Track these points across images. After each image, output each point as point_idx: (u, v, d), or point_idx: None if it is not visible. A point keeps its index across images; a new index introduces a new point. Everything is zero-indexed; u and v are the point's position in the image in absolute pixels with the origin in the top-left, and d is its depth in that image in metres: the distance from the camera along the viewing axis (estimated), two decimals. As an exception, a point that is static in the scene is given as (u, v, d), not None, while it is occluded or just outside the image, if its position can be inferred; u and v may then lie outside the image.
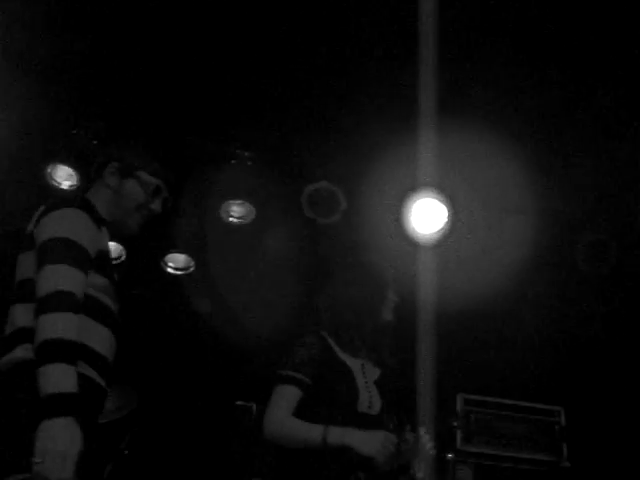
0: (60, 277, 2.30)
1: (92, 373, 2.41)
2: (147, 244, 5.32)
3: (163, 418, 5.71)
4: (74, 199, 2.68)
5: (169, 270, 5.42)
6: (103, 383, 2.47)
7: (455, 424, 4.63)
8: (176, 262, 5.42)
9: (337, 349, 3.15)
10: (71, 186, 4.96)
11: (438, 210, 4.81)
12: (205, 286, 5.73)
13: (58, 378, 2.19)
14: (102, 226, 2.56)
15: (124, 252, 5.29)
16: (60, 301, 2.27)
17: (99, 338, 2.46)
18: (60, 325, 2.24)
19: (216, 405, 5.44)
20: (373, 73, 4.35)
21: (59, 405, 2.16)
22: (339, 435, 2.89)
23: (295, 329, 3.42)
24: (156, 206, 2.71)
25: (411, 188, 4.74)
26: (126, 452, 4.65)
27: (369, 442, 2.87)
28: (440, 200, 4.80)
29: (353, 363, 3.13)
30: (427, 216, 4.80)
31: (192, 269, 5.41)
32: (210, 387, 5.78)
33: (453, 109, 4.19)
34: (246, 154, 4.93)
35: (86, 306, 2.40)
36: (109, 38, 4.23)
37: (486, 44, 4.05)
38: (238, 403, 4.82)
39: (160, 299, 5.81)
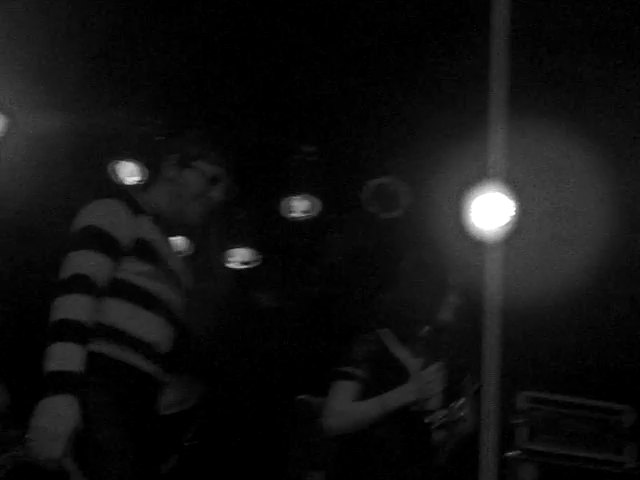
0: (77, 262, 2.35)
1: (131, 358, 2.42)
2: (212, 238, 5.38)
3: (227, 411, 5.75)
4: (108, 190, 2.70)
5: (234, 264, 5.46)
6: (151, 369, 2.50)
7: (518, 422, 4.56)
8: (241, 256, 5.45)
9: (395, 347, 3.18)
10: (135, 182, 5.03)
11: (505, 205, 4.72)
12: (270, 280, 5.76)
13: (58, 356, 2.21)
14: (142, 214, 2.55)
15: (189, 246, 5.35)
16: (72, 284, 2.31)
17: (140, 323, 2.47)
18: (66, 306, 2.28)
19: (279, 399, 5.45)
20: (440, 65, 4.30)
21: (56, 383, 2.18)
22: (394, 399, 3.02)
23: (357, 325, 3.42)
24: (216, 195, 2.69)
25: (477, 182, 4.67)
26: (190, 444, 4.69)
27: (419, 387, 3.01)
28: (507, 194, 4.72)
29: (411, 362, 3.15)
30: (493, 211, 4.71)
31: (256, 263, 5.44)
32: (272, 381, 5.81)
33: (524, 102, 4.12)
34: (309, 148, 4.93)
35: (125, 291, 2.44)
36: (172, 32, 4.26)
37: (561, 35, 3.98)
38: (300, 397, 4.82)
39: (225, 293, 5.86)
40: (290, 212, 5.14)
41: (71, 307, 2.27)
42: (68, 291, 2.29)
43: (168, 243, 2.67)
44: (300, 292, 5.88)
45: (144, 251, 2.51)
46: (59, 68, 4.37)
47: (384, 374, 3.12)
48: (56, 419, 2.14)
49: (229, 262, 5.45)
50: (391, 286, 3.32)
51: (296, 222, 5.19)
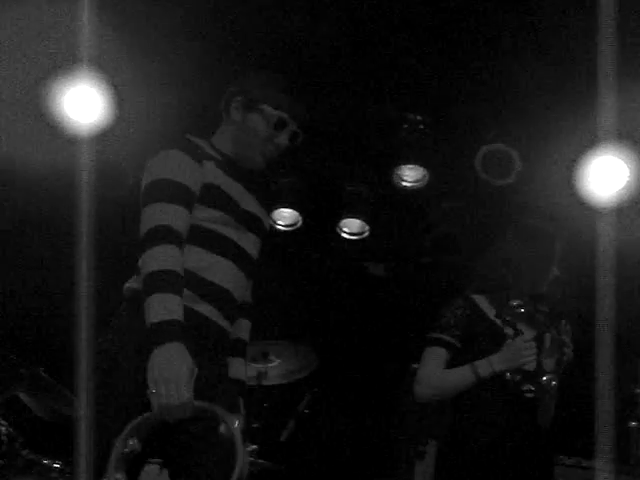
0: (156, 214, 2.38)
1: (205, 309, 2.46)
2: (322, 209, 5.44)
3: (341, 380, 5.84)
4: (171, 141, 2.63)
5: (344, 235, 5.51)
6: (220, 320, 2.51)
7: (638, 391, 4.45)
8: (351, 227, 5.49)
9: (490, 311, 3.15)
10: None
11: (619, 170, 4.58)
12: (379, 251, 5.79)
13: (158, 307, 2.24)
14: (206, 160, 2.54)
15: (300, 218, 5.43)
16: (157, 235, 2.34)
17: (216, 269, 2.48)
18: (158, 257, 2.31)
19: (391, 368, 5.50)
20: (549, 32, 4.20)
21: (161, 333, 2.21)
22: (486, 366, 3.03)
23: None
24: (281, 140, 2.64)
25: (589, 148, 4.55)
26: (306, 412, 4.80)
27: (513, 355, 3.00)
28: (621, 159, 4.57)
29: (507, 325, 3.12)
30: (606, 177, 4.58)
31: (366, 234, 5.47)
32: (385, 350, 5.85)
33: (634, 65, 3.98)
34: (418, 117, 4.91)
35: (199, 238, 2.47)
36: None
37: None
38: (413, 366, 4.85)
39: (335, 264, 5.92)
40: (401, 181, 5.13)
41: (162, 258, 2.31)
42: (155, 243, 2.33)
43: (239, 186, 2.62)
44: (411, 262, 5.88)
45: (213, 197, 2.51)
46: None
47: (477, 340, 3.12)
48: (171, 366, 2.17)
49: (340, 233, 5.49)
50: (493, 252, 3.30)
51: (407, 191, 5.17)
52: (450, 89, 4.76)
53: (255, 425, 4.40)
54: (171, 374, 2.16)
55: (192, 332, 2.31)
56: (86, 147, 4.76)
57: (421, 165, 5.06)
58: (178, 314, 2.26)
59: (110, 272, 3.30)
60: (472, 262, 3.50)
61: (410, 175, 5.13)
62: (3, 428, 4.31)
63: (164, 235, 2.34)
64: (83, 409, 2.34)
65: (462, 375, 3.07)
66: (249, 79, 2.71)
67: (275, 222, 5.32)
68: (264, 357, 4.50)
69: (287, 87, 2.67)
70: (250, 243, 2.61)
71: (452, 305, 3.19)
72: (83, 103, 4.85)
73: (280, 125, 2.61)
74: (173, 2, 4.25)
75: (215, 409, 2.23)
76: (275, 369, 4.58)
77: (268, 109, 2.60)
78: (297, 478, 5.24)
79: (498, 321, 3.14)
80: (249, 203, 2.64)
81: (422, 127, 4.93)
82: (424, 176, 5.09)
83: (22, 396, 4.51)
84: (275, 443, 4.70)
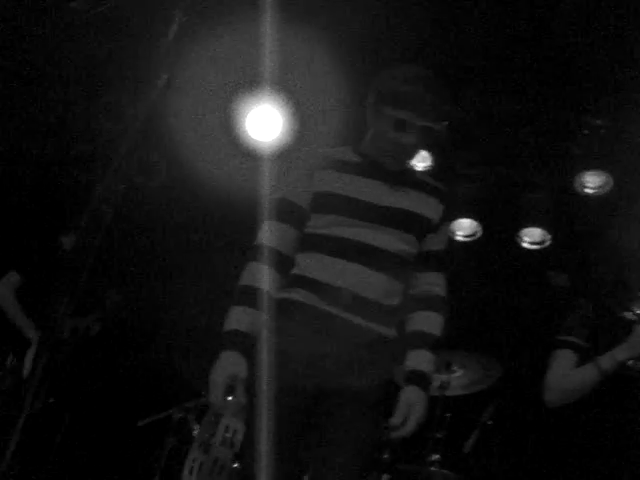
0: (260, 232, 2.61)
1: (331, 308, 2.52)
2: (502, 219, 5.38)
3: (525, 390, 5.72)
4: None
5: (525, 245, 5.42)
6: (341, 313, 2.52)
7: None
8: (532, 236, 5.40)
9: (615, 307, 3.05)
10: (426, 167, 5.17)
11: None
12: (562, 260, 5.65)
13: (229, 318, 2.51)
14: (320, 170, 2.61)
15: (479, 228, 5.40)
16: (253, 252, 2.57)
17: (333, 271, 2.53)
18: (243, 273, 2.56)
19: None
20: None
21: (223, 340, 2.48)
22: (608, 358, 2.93)
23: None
24: (407, 140, 2.55)
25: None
26: (489, 423, 4.75)
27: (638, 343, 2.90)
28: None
29: (634, 315, 3.01)
30: None
31: (548, 243, 5.37)
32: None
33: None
34: (599, 122, 4.77)
35: (311, 243, 2.58)
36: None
37: None
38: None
39: (516, 274, 5.83)
40: (583, 188, 5.00)
41: (247, 274, 2.55)
42: (253, 258, 2.57)
43: (380, 184, 2.62)
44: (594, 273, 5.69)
45: (324, 203, 2.58)
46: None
47: (604, 337, 3.01)
48: (217, 370, 2.44)
49: (521, 242, 5.41)
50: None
51: (589, 198, 5.03)
52: (631, 92, 4.60)
53: (438, 435, 4.40)
54: (213, 378, 2.43)
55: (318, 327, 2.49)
56: (267, 164, 4.96)
57: (604, 171, 4.91)
58: (243, 325, 2.50)
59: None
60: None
61: (593, 181, 4.99)
62: (197, 431, 4.55)
63: (255, 253, 2.57)
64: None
65: (586, 373, 2.97)
66: (377, 78, 2.67)
67: (454, 233, 5.32)
68: (447, 367, 4.49)
69: (414, 80, 2.54)
70: (388, 238, 2.58)
71: (576, 306, 3.12)
72: (265, 122, 5.07)
73: (400, 126, 2.54)
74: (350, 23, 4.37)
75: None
76: (458, 379, 4.56)
77: (388, 110, 2.55)
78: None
79: (627, 314, 3.03)
80: (394, 200, 2.62)
81: (603, 131, 4.80)
82: (607, 182, 4.94)
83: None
84: (458, 454, 4.67)
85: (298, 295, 2.55)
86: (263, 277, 2.53)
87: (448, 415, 4.51)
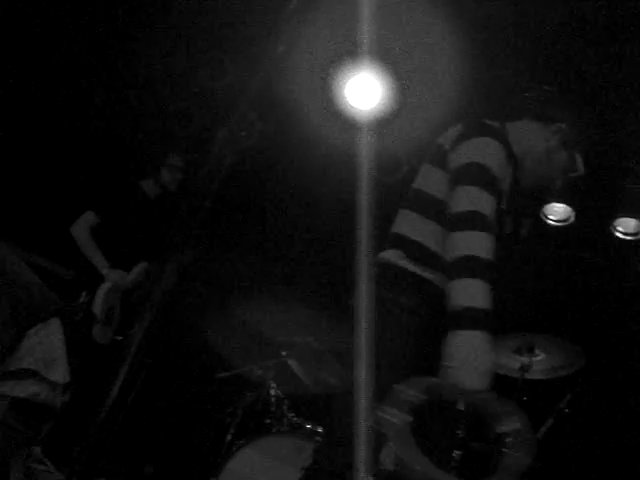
0: (473, 198, 2.36)
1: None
2: (597, 208, 5.27)
3: (605, 381, 5.64)
4: (491, 127, 2.61)
5: (618, 235, 5.31)
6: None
7: None
8: (626, 227, 5.28)
9: None
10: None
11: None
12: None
13: (475, 292, 2.23)
14: (510, 164, 2.58)
15: (573, 214, 5.30)
16: (474, 221, 2.32)
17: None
18: (477, 243, 2.29)
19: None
20: None
21: (472, 318, 2.21)
22: None
23: None
24: (559, 184, 2.73)
25: None
26: (566, 411, 4.69)
27: None
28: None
29: None
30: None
31: (641, 235, 5.25)
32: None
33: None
34: None
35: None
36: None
37: None
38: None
39: (608, 264, 5.72)
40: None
41: (478, 244, 2.29)
42: (472, 227, 2.32)
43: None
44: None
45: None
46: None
47: None
48: (481, 354, 2.19)
49: (614, 232, 5.30)
50: None
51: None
52: None
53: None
54: (478, 362, 2.21)
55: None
56: (366, 133, 4.95)
57: None
58: (487, 303, 2.25)
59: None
60: None
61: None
62: (273, 391, 4.62)
63: (481, 222, 2.34)
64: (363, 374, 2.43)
65: None
66: (570, 117, 2.74)
67: (546, 216, 5.24)
68: (529, 350, 4.44)
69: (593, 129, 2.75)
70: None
71: None
72: (366, 91, 5.06)
73: (577, 170, 2.73)
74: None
75: None
76: (539, 364, 4.50)
77: (578, 157, 2.72)
78: (551, 476, 5.13)
79: None
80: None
81: None
82: None
83: (291, 362, 4.79)
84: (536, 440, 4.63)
85: None
86: (490, 249, 2.35)
87: (525, 398, 4.46)
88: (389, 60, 4.85)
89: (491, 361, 2.22)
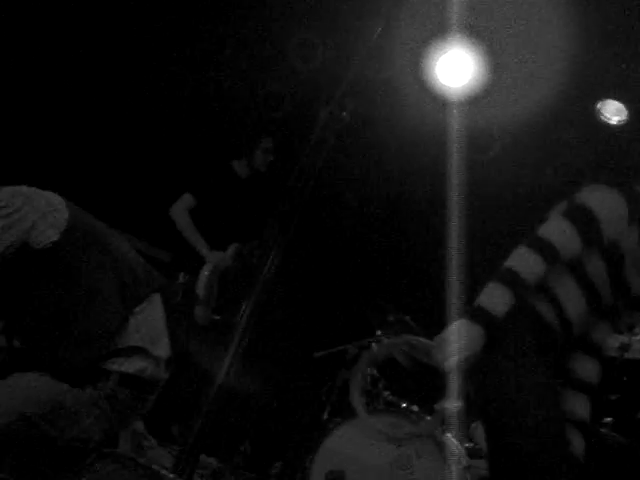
0: (555, 230, 2.44)
1: (550, 317, 2.46)
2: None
3: None
4: (621, 182, 2.56)
5: None
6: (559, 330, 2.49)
7: None
8: None
9: None
10: (619, 121, 4.99)
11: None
12: None
13: (488, 294, 2.39)
14: (634, 223, 2.47)
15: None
16: (541, 246, 2.40)
17: (570, 296, 2.48)
18: (521, 259, 2.41)
19: None
20: None
21: (475, 312, 2.38)
22: None
23: None
24: None
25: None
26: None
27: None
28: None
29: None
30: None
31: None
32: None
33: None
34: None
35: (573, 268, 2.46)
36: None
37: None
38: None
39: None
40: None
41: (524, 262, 2.40)
42: (530, 246, 2.42)
43: None
44: None
45: (611, 254, 2.48)
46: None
47: None
48: (461, 336, 2.36)
49: None
50: None
51: None
52: None
53: (612, 397, 4.31)
54: (454, 340, 2.38)
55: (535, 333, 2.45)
56: (457, 110, 4.93)
57: None
58: (497, 307, 2.38)
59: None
60: None
61: None
62: (368, 370, 4.65)
63: (544, 249, 2.42)
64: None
65: None
66: None
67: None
68: (629, 329, 4.35)
69: None
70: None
71: None
72: (457, 68, 5.03)
73: None
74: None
75: None
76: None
77: None
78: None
79: None
80: None
81: None
82: None
83: (386, 342, 4.81)
84: (630, 418, 4.55)
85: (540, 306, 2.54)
86: (535, 272, 2.47)
87: (625, 378, 4.40)
88: (482, 36, 4.81)
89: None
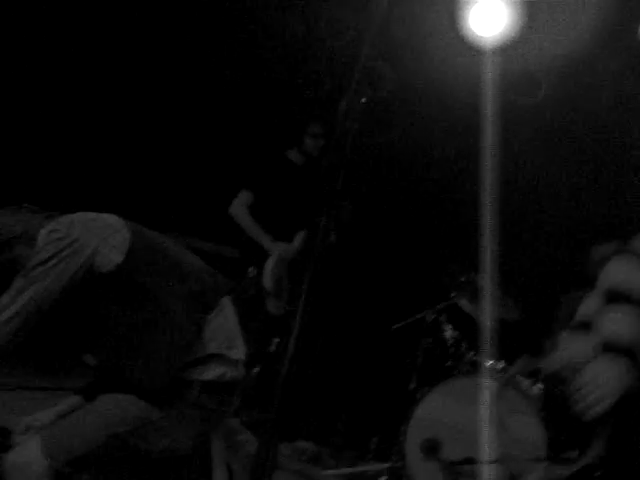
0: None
1: None
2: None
3: None
4: None
5: None
6: None
7: None
8: None
9: None
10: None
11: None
12: None
13: None
14: None
15: None
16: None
17: None
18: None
19: None
20: None
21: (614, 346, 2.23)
22: None
23: None
24: None
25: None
26: None
27: None
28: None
29: None
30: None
31: None
32: None
33: None
34: None
35: None
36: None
37: None
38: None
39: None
40: None
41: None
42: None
43: None
44: None
45: None
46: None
47: None
48: (615, 378, 2.20)
49: None
50: None
51: None
52: None
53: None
54: (610, 385, 2.25)
55: None
56: (491, 59, 4.87)
57: None
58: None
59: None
60: None
61: None
62: (449, 333, 4.66)
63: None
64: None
65: None
66: None
67: None
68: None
69: None
70: None
71: None
72: (491, 16, 4.94)
73: None
74: None
75: None
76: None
77: None
78: None
79: None
80: None
81: None
82: None
83: (462, 303, 4.81)
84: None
85: None
86: None
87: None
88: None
89: None
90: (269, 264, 4.77)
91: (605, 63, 5.22)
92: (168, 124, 5.97)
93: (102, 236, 2.67)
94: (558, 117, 5.44)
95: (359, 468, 4.76)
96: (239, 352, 2.86)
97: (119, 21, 5.51)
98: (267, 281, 4.66)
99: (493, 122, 3.93)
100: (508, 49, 4.89)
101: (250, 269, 4.80)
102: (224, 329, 2.85)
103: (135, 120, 5.89)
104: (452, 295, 4.76)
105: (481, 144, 4.03)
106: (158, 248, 2.80)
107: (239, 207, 4.99)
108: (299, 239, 4.98)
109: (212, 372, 2.76)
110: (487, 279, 4.55)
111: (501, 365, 4.39)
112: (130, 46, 5.61)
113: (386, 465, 4.55)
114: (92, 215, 2.76)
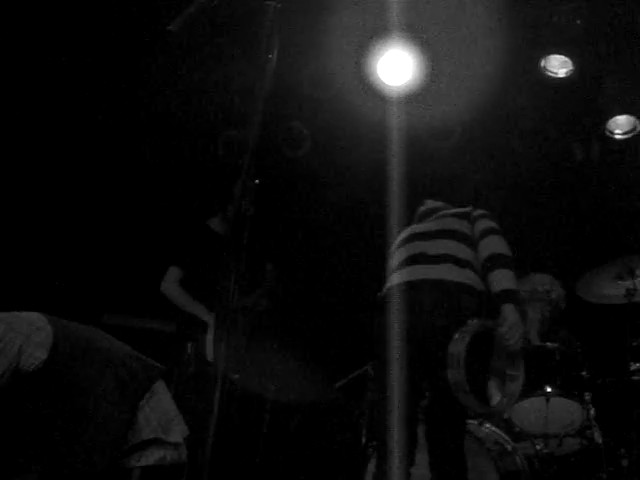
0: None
1: None
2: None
3: None
4: None
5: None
6: None
7: None
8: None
9: None
10: (567, 72, 5.00)
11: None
12: None
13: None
14: None
15: (638, 123, 5.18)
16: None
17: None
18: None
19: None
20: None
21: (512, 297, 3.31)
22: None
23: None
24: None
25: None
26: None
27: None
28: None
29: None
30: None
31: None
32: None
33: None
34: None
35: None
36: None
37: None
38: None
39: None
40: None
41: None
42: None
43: None
44: None
45: None
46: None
47: None
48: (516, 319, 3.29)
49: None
50: None
51: None
52: None
53: (634, 344, 4.26)
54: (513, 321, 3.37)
55: None
56: (397, 107, 4.98)
57: None
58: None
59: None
60: None
61: None
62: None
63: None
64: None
65: None
66: None
67: (613, 132, 5.20)
68: (630, 273, 4.31)
69: None
70: None
71: None
72: (396, 66, 5.05)
73: None
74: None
75: None
76: (644, 285, 4.36)
77: None
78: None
79: None
80: None
81: None
82: None
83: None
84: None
85: None
86: None
87: (640, 322, 4.35)
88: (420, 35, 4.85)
89: None
90: (209, 336, 4.71)
91: (512, 99, 5.37)
92: (92, 202, 5.91)
93: (25, 334, 2.62)
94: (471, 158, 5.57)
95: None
96: (177, 434, 2.82)
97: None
98: (209, 354, 4.61)
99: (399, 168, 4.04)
100: (422, 97, 5.01)
101: (189, 344, 4.74)
102: (159, 413, 2.80)
103: (57, 202, 5.80)
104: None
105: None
106: (82, 340, 2.76)
107: (170, 284, 4.92)
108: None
109: (151, 457, 2.71)
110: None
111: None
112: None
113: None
114: (13, 314, 2.71)
